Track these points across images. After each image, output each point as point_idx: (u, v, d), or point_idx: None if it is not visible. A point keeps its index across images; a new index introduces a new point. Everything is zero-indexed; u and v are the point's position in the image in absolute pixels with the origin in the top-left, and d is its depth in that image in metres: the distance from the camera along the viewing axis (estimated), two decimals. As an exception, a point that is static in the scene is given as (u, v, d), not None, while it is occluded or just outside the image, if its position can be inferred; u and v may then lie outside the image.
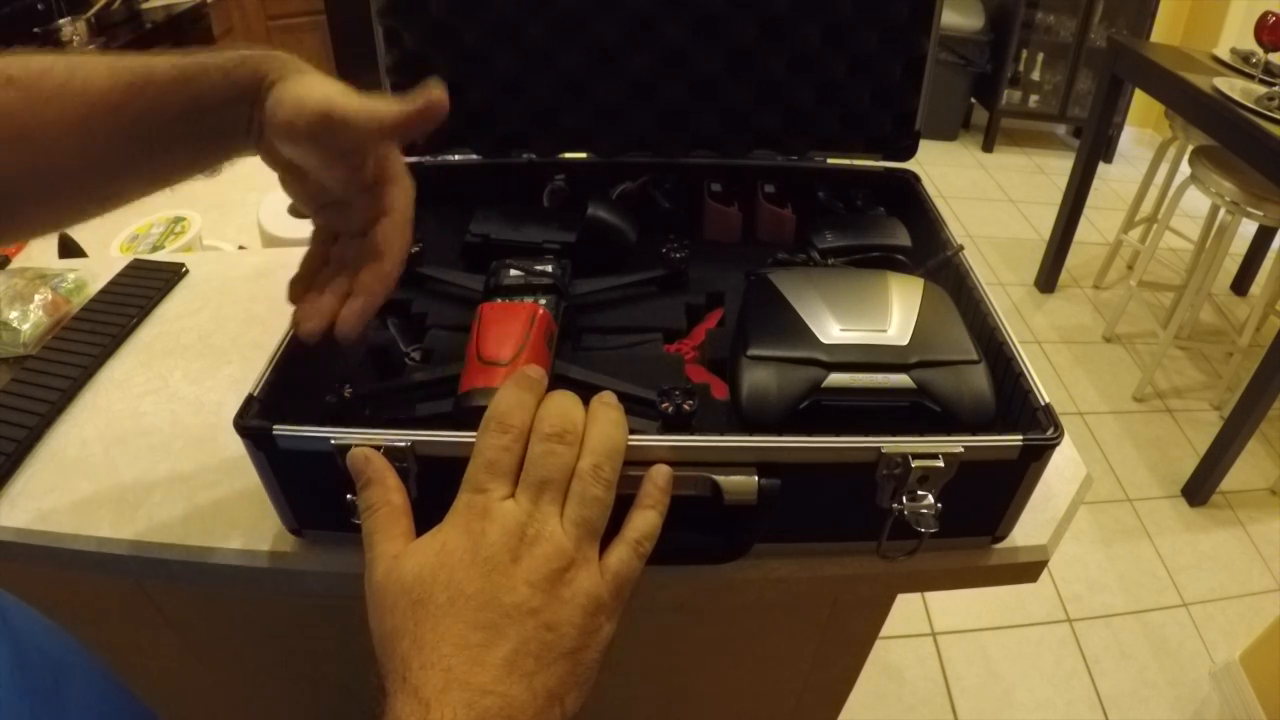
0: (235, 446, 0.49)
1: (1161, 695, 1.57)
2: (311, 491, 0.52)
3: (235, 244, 1.13)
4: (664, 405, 0.52)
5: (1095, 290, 2.79)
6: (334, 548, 0.56)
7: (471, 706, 0.33)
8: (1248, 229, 2.56)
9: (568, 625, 0.37)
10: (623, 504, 0.42)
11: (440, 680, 0.33)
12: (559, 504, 0.39)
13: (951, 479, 0.48)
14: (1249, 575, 1.83)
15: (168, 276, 0.82)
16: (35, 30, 2.26)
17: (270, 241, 1.04)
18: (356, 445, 0.45)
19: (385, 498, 0.42)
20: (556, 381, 0.57)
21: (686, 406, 0.52)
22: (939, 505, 0.49)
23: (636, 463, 0.43)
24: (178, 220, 1.08)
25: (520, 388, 0.42)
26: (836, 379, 0.53)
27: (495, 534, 0.37)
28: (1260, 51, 2.03)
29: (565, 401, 0.42)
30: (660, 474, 0.44)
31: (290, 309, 0.49)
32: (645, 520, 0.42)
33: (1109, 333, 2.56)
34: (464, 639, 0.35)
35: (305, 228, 0.52)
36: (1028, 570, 0.58)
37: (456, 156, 0.80)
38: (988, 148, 3.79)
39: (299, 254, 0.51)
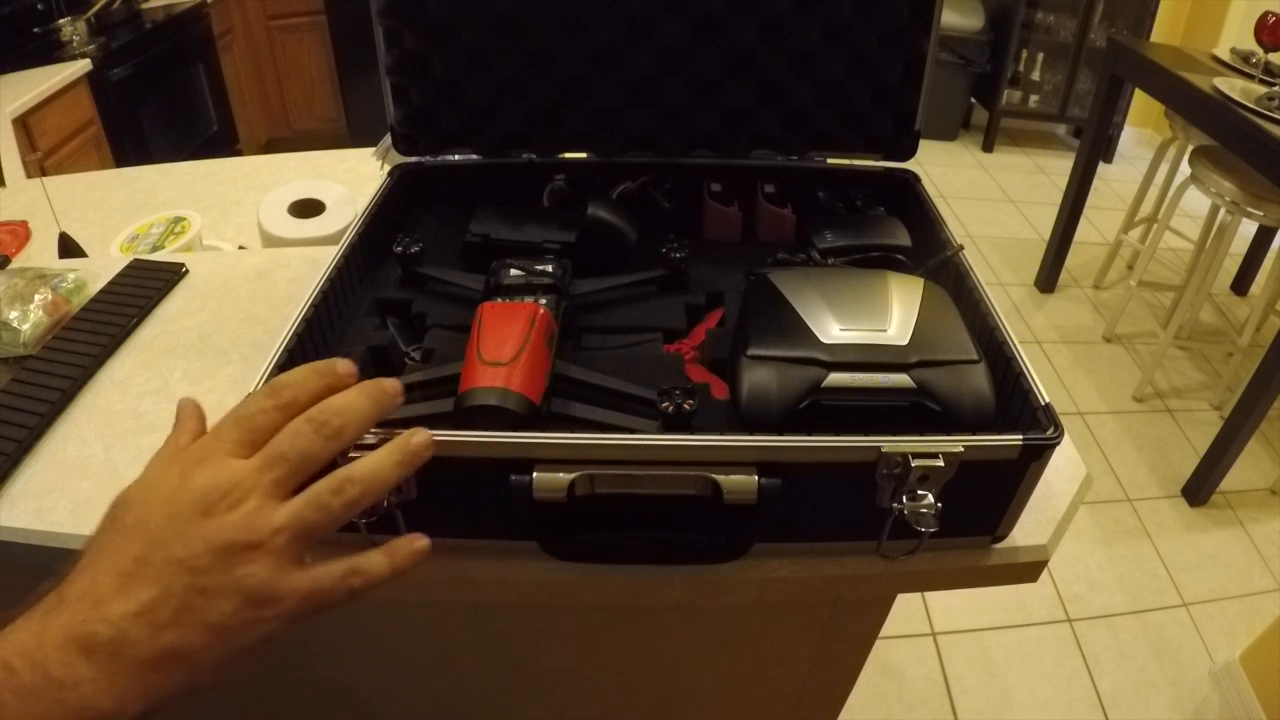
0: (235, 446, 0.49)
1: (1161, 695, 1.57)
2: (311, 491, 0.51)
3: (235, 244, 1.13)
4: (664, 405, 0.52)
5: (1095, 290, 2.79)
6: (332, 548, 0.55)
7: (86, 624, 0.33)
8: (1248, 229, 2.56)
9: (224, 601, 0.35)
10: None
11: (81, 588, 0.34)
12: (287, 489, 0.38)
13: (951, 478, 0.48)
14: (1249, 575, 1.83)
15: (168, 276, 0.82)
16: (35, 30, 2.26)
17: (270, 241, 1.04)
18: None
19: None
20: (556, 381, 0.57)
21: (686, 406, 0.52)
22: (939, 505, 0.49)
23: (637, 462, 0.43)
24: (178, 220, 1.08)
25: (315, 370, 0.42)
26: (836, 379, 0.53)
27: (201, 482, 0.37)
28: (1260, 51, 2.03)
29: (357, 400, 0.40)
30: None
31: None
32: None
33: (1109, 333, 2.55)
34: (121, 566, 0.35)
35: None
36: (1028, 570, 0.58)
37: (456, 156, 0.80)
38: (988, 148, 3.78)
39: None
